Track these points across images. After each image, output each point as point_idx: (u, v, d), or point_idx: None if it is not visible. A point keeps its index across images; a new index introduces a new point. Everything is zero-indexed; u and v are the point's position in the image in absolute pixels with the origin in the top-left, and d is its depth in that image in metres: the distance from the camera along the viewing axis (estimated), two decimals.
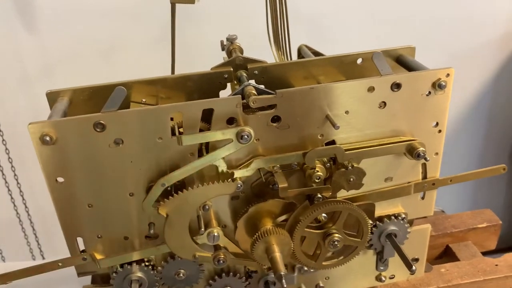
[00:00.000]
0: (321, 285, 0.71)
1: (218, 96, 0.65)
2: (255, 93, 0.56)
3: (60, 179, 0.55)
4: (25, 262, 0.85)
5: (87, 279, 0.74)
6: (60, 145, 0.53)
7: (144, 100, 0.63)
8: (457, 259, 0.82)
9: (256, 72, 0.64)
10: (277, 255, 0.56)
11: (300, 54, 0.77)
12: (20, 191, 1.20)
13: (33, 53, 1.15)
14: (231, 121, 0.56)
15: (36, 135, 0.52)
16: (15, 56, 1.14)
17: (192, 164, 0.55)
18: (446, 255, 0.86)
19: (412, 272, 0.62)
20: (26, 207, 1.23)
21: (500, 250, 0.90)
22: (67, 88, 0.61)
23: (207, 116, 0.56)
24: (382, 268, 0.72)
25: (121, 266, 0.61)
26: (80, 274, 0.62)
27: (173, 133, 0.55)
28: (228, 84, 0.66)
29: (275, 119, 0.57)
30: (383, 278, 0.73)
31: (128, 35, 1.22)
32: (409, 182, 0.65)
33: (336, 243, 0.58)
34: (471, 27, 1.32)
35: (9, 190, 1.19)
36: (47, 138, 0.51)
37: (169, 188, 0.56)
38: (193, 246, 0.59)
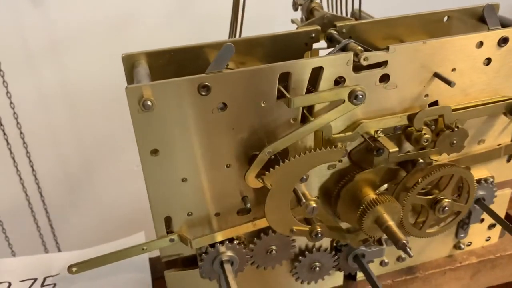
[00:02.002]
0: (403, 256, 0.68)
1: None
2: (362, 49, 0.52)
3: (155, 151, 0.49)
4: (65, 253, 0.78)
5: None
6: (159, 111, 0.47)
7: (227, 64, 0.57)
8: None
9: (344, 30, 0.59)
10: (392, 223, 0.52)
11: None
12: (33, 170, 1.08)
13: (40, 28, 1.06)
14: (337, 82, 0.51)
15: (135, 99, 0.45)
16: (21, 31, 1.05)
17: (300, 130, 0.50)
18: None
19: None
20: (39, 187, 1.12)
21: None
22: (143, 51, 0.54)
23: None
24: (462, 235, 0.69)
25: (212, 245, 0.56)
26: (164, 257, 0.57)
27: (277, 97, 0.50)
28: None
29: (383, 78, 0.53)
30: (462, 246, 0.70)
31: (140, 7, 1.14)
32: (499, 145, 0.63)
33: (446, 208, 0.55)
34: None
35: (17, 170, 1.07)
36: (148, 103, 0.45)
37: (272, 157, 0.51)
38: (292, 219, 0.55)
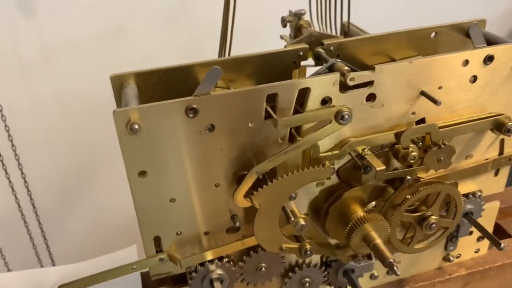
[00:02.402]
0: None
1: (290, 77, 0.60)
2: (349, 69, 0.52)
3: (143, 173, 0.49)
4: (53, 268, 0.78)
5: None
6: (147, 133, 0.47)
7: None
8: (508, 235, 0.82)
9: (332, 48, 0.59)
10: (379, 241, 0.53)
11: (345, 32, 0.73)
12: (25, 182, 1.09)
13: (30, 37, 1.06)
14: (324, 101, 0.52)
15: (122, 123, 0.45)
16: (11, 41, 1.04)
17: (288, 150, 0.51)
18: (496, 233, 0.86)
19: (501, 249, 0.60)
20: (31, 199, 1.12)
21: None
22: (131, 71, 0.55)
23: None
24: (451, 248, 0.70)
25: (201, 264, 0.56)
26: (154, 276, 0.57)
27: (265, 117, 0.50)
28: None
29: (370, 97, 0.53)
30: (451, 258, 0.71)
31: (132, 17, 1.14)
32: (487, 159, 0.63)
33: (433, 225, 0.56)
34: None
35: (10, 182, 1.07)
36: (136, 126, 0.45)
37: (260, 177, 0.52)
38: (281, 237, 0.55)
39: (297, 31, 0.63)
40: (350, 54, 0.61)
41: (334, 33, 0.72)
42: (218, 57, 0.68)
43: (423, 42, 0.63)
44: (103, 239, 1.31)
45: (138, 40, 1.15)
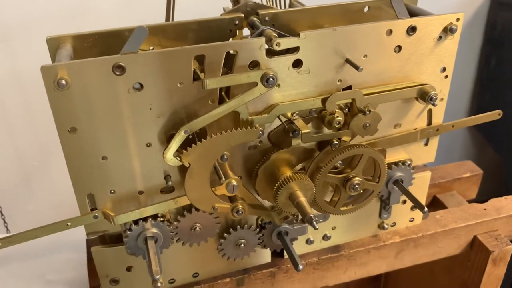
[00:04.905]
0: (328, 235, 0.71)
1: None
2: (276, 35, 0.54)
3: (73, 129, 0.51)
4: None
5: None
6: (75, 90, 0.49)
7: (151, 48, 0.59)
8: (446, 208, 0.86)
9: (267, 18, 0.62)
10: (303, 199, 0.56)
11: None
12: None
13: None
14: (252, 66, 0.54)
15: (50, 78, 0.47)
16: None
17: (216, 110, 0.53)
18: (433, 205, 0.90)
19: (425, 214, 0.64)
20: None
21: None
22: (68, 34, 0.56)
23: (225, 62, 0.53)
24: (385, 216, 0.73)
25: (135, 222, 0.58)
26: (89, 234, 0.59)
27: (194, 79, 0.53)
28: None
29: (297, 63, 0.56)
30: (386, 226, 0.74)
31: None
32: (415, 129, 0.67)
33: (357, 186, 0.59)
34: None
35: None
36: (63, 82, 0.47)
37: (190, 137, 0.54)
38: (213, 197, 0.57)
39: (236, 1, 0.65)
40: (285, 25, 0.63)
41: (283, 8, 0.75)
42: None
43: (357, 16, 0.66)
44: (64, 217, 1.32)
45: (98, 20, 1.16)
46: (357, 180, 0.59)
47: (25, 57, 1.14)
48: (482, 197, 0.90)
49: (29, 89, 1.19)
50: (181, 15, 0.66)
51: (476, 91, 1.61)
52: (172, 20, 0.68)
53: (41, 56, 1.15)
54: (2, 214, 1.17)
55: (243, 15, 0.61)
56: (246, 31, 0.65)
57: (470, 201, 0.89)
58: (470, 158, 1.74)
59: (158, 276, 0.54)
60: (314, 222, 0.53)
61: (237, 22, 0.61)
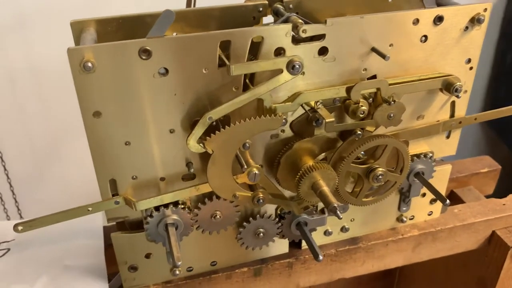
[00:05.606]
0: (347, 227, 0.71)
1: None
2: (302, 22, 0.54)
3: (97, 113, 0.50)
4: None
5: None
6: (101, 73, 0.48)
7: (175, 33, 0.59)
8: (463, 202, 0.85)
9: (291, 6, 0.61)
10: (326, 189, 0.55)
11: None
12: None
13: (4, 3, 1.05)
14: (277, 53, 0.54)
15: (76, 61, 0.47)
16: None
17: (241, 97, 0.52)
18: (450, 199, 0.89)
19: (446, 205, 0.63)
20: (2, 161, 1.13)
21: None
22: (92, 18, 0.56)
23: (249, 49, 0.53)
24: (404, 208, 0.73)
25: (157, 209, 0.58)
26: (110, 219, 0.59)
27: (219, 65, 0.52)
28: None
29: (322, 51, 0.55)
30: (404, 219, 0.74)
31: None
32: (438, 121, 0.66)
33: (380, 177, 0.58)
34: None
35: None
36: (89, 64, 0.47)
37: (214, 124, 0.53)
38: (234, 185, 0.57)
39: None
40: (308, 13, 0.63)
41: None
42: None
43: (380, 6, 0.65)
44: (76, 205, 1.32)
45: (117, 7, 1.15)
46: (380, 170, 0.58)
47: (40, 46, 1.14)
48: (498, 194, 0.89)
49: (43, 77, 1.19)
50: (202, 1, 0.66)
51: (491, 86, 1.59)
52: (194, 6, 0.67)
53: (56, 45, 1.16)
54: (16, 201, 1.18)
55: (267, 1, 0.61)
56: (265, 20, 0.64)
57: (487, 197, 0.88)
58: (483, 154, 1.72)
59: (179, 263, 0.54)
60: (338, 212, 0.52)
61: (261, 9, 0.61)
